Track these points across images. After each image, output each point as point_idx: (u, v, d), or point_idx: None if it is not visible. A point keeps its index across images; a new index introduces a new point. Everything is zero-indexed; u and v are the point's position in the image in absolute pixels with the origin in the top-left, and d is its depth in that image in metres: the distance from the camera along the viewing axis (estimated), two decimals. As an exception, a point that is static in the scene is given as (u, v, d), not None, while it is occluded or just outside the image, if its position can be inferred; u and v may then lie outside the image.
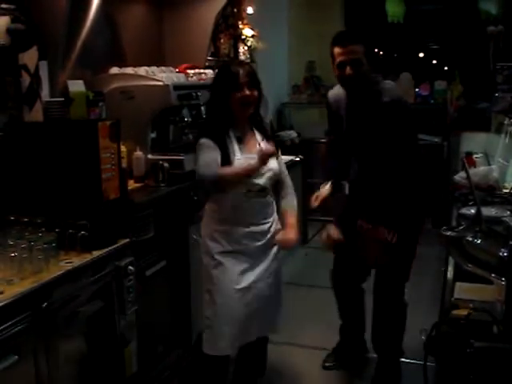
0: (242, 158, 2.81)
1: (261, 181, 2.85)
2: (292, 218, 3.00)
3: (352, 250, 3.27)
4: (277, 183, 3.02)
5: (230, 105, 2.83)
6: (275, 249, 2.99)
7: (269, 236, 2.94)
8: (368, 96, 3.08)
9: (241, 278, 2.86)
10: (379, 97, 3.04)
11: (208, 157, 2.77)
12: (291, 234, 2.93)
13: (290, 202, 3.07)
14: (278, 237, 2.94)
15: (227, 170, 2.76)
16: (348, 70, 3.00)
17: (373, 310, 3.41)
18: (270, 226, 2.96)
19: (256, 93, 2.85)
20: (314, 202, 3.36)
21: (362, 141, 3.18)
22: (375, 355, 3.52)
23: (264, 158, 2.71)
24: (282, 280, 3.13)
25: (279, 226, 3.03)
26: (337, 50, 3.03)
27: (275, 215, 3.03)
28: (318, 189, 3.41)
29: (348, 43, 3.01)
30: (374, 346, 3.48)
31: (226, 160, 2.79)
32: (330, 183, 3.37)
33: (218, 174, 2.73)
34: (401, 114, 3.06)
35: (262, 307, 2.92)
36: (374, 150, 3.12)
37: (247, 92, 2.80)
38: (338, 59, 3.02)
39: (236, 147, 2.84)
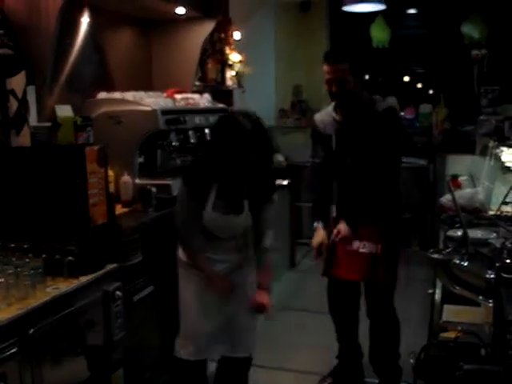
0: (211, 214, 2.80)
1: (230, 232, 2.89)
2: (264, 278, 2.96)
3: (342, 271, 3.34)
4: None
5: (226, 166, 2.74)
6: (247, 273, 2.99)
7: (238, 256, 2.95)
8: (361, 108, 3.24)
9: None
10: (373, 106, 3.23)
11: (188, 208, 2.82)
12: (263, 297, 2.91)
13: (262, 252, 2.97)
14: (252, 301, 2.91)
15: (197, 256, 2.85)
16: (333, 87, 3.18)
17: (369, 328, 3.45)
18: (242, 246, 2.95)
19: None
20: (317, 251, 3.34)
21: (353, 154, 3.26)
22: (373, 380, 3.52)
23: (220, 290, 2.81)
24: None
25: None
26: (325, 67, 3.20)
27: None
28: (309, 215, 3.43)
29: (333, 62, 3.17)
30: (373, 367, 3.49)
31: (200, 209, 2.80)
32: (321, 224, 3.38)
33: (183, 246, 2.89)
34: (395, 121, 3.29)
35: (233, 323, 2.96)
36: (365, 162, 3.22)
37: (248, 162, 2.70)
38: (326, 77, 3.20)
39: (210, 201, 2.80)
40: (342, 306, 3.56)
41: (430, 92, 8.56)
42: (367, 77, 8.31)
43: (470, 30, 6.87)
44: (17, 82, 2.91)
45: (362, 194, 3.22)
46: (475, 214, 3.40)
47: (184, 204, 2.85)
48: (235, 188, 2.85)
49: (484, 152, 4.48)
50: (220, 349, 3.01)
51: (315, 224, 3.40)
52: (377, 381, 3.49)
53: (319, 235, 3.35)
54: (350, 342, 3.61)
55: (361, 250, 3.28)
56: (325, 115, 3.43)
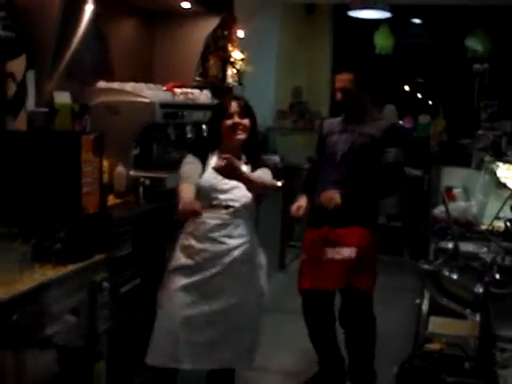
0: (210, 174, 2.78)
1: (227, 197, 2.80)
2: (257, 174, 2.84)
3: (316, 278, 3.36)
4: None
5: (220, 132, 2.88)
6: (243, 277, 2.85)
7: (231, 259, 2.80)
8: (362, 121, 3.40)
9: (184, 294, 2.80)
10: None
11: (189, 168, 2.84)
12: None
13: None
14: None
15: (183, 190, 2.73)
16: (338, 95, 3.42)
17: (345, 339, 3.43)
18: (234, 249, 2.81)
19: (247, 121, 2.87)
20: (297, 211, 3.47)
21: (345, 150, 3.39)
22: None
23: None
24: (257, 311, 2.97)
25: (262, 260, 2.97)
26: (333, 78, 3.49)
27: (246, 239, 2.86)
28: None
29: (339, 72, 3.43)
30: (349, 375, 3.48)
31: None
32: (304, 195, 3.55)
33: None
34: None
35: (221, 334, 2.81)
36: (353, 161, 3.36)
37: (237, 119, 2.84)
38: (333, 87, 3.47)
39: (211, 165, 2.81)
40: (318, 319, 3.50)
41: (430, 103, 8.57)
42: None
43: (475, 44, 6.90)
44: (17, 66, 2.89)
45: (347, 191, 3.25)
46: (467, 228, 3.40)
47: (188, 164, 2.85)
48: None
49: (480, 166, 4.49)
50: (199, 359, 2.83)
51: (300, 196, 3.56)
52: None
53: (302, 200, 3.50)
54: (330, 353, 3.58)
55: (335, 257, 3.28)
56: (334, 120, 3.61)
